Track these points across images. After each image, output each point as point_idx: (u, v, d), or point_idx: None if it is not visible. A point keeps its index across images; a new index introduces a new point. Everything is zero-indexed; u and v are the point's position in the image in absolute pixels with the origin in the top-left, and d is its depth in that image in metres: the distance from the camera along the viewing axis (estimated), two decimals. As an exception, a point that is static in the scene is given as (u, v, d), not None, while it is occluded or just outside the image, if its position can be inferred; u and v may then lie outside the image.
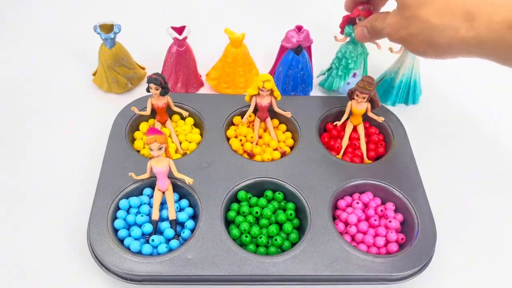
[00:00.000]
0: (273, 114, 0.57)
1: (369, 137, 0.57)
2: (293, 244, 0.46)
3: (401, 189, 0.50)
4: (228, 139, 0.55)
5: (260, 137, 0.57)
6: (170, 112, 0.56)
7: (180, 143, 0.55)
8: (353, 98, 0.54)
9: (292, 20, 0.63)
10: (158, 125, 0.56)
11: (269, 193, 0.50)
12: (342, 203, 0.50)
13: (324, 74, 0.65)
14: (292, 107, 0.57)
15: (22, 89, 0.64)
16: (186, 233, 0.46)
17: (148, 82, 0.51)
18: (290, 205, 0.49)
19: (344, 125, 0.57)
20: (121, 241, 0.45)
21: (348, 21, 0.57)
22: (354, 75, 0.62)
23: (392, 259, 0.44)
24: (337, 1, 0.86)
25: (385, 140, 0.58)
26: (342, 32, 0.58)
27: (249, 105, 0.56)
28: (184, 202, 0.49)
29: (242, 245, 0.46)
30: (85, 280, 0.45)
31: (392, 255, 0.45)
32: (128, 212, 0.47)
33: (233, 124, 0.58)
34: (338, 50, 0.61)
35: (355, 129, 0.57)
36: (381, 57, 0.68)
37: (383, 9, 0.54)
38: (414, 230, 0.47)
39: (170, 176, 0.48)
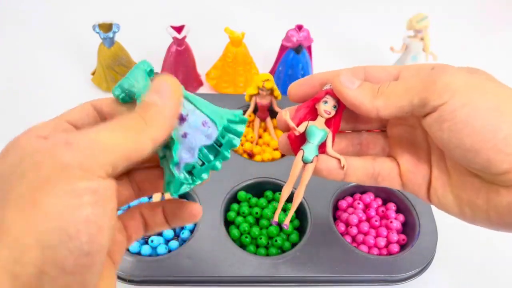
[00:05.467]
0: (273, 114, 0.57)
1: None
2: (294, 245, 0.46)
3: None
4: (228, 139, 0.55)
5: (260, 136, 0.57)
6: (169, 112, 0.56)
7: (180, 143, 0.55)
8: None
9: (292, 19, 0.63)
10: (157, 125, 0.55)
11: (269, 194, 0.50)
12: (343, 203, 0.50)
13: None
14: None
15: (20, 89, 0.64)
16: (185, 233, 0.46)
17: (147, 81, 0.51)
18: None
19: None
20: (120, 242, 0.45)
21: (308, 113, 0.27)
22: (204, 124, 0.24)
23: (393, 260, 0.44)
24: (337, 0, 0.86)
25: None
26: (295, 149, 0.28)
27: (249, 104, 0.55)
28: (184, 203, 0.49)
29: (242, 246, 0.46)
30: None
31: (393, 256, 0.45)
32: (127, 212, 0.47)
33: (233, 124, 0.57)
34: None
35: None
36: (382, 56, 0.67)
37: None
38: (415, 230, 0.46)
39: (170, 176, 0.47)
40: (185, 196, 0.49)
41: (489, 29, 0.82)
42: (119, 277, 0.42)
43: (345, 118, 0.28)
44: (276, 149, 0.55)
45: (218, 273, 0.42)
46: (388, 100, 0.24)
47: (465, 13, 0.86)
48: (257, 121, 0.56)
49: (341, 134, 0.29)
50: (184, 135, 0.23)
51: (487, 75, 0.24)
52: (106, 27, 0.58)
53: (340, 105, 0.26)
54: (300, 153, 0.27)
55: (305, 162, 0.27)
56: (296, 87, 0.28)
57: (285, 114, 0.27)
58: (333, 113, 0.26)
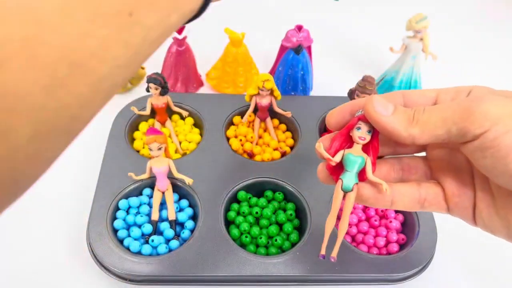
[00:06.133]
0: (273, 114, 0.57)
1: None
2: (293, 245, 0.46)
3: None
4: (228, 139, 0.55)
5: (260, 137, 0.57)
6: (169, 112, 0.56)
7: (180, 143, 0.55)
8: (354, 98, 0.54)
9: (292, 19, 0.63)
10: (157, 125, 0.55)
11: (269, 193, 0.50)
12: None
13: None
14: (292, 107, 0.57)
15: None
16: (185, 233, 0.46)
17: (148, 81, 0.51)
18: (290, 205, 0.49)
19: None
20: (121, 241, 0.45)
21: (344, 142, 0.27)
22: None
23: (393, 259, 0.44)
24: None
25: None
26: (335, 178, 0.27)
27: (249, 105, 0.56)
28: (184, 203, 0.49)
29: (242, 245, 0.46)
30: (84, 281, 0.45)
31: (392, 255, 0.45)
32: (127, 212, 0.47)
33: (233, 124, 0.58)
34: None
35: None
36: (382, 57, 0.68)
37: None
38: (415, 230, 0.46)
39: (170, 176, 0.48)
40: (186, 196, 0.49)
41: (489, 29, 0.82)
42: (119, 277, 0.42)
43: (384, 142, 0.27)
44: (276, 149, 0.55)
45: (218, 273, 0.42)
46: (425, 129, 0.23)
47: (465, 13, 0.86)
48: (257, 121, 0.56)
49: (381, 160, 0.28)
50: None
51: None
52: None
53: (375, 129, 0.26)
54: (339, 183, 0.26)
55: (345, 191, 0.26)
56: (335, 115, 0.27)
57: (319, 146, 0.26)
58: (368, 138, 0.26)
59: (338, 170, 0.26)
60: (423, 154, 0.29)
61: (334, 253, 0.27)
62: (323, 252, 0.27)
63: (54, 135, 0.16)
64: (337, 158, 0.26)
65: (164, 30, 0.20)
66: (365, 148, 0.26)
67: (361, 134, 0.26)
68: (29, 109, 0.15)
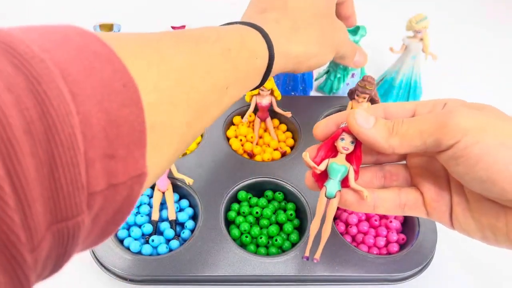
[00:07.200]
0: (273, 114, 0.57)
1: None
2: (294, 245, 0.46)
3: (402, 189, 0.50)
4: (228, 139, 0.55)
5: (260, 137, 0.57)
6: (170, 112, 0.56)
7: (180, 143, 0.55)
8: (354, 98, 0.54)
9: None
10: (158, 125, 0.55)
11: (269, 193, 0.50)
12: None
13: (323, 76, 0.64)
14: (292, 107, 0.57)
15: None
16: (186, 233, 0.46)
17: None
18: (291, 205, 0.49)
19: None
20: (121, 241, 0.45)
21: (329, 151, 0.29)
22: (353, 75, 0.61)
23: (393, 259, 0.44)
24: None
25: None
26: (320, 185, 0.29)
27: (249, 105, 0.56)
28: (184, 203, 0.49)
29: (242, 245, 0.46)
30: (84, 281, 0.45)
31: (393, 255, 0.45)
32: (127, 212, 0.47)
33: (233, 124, 0.58)
34: None
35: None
36: (382, 57, 0.68)
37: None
38: (415, 230, 0.47)
39: (170, 176, 0.48)
40: (186, 196, 0.49)
41: (489, 29, 0.82)
42: (119, 276, 0.42)
43: (367, 152, 0.29)
44: (276, 149, 0.55)
45: (218, 273, 0.42)
46: (403, 140, 0.25)
47: (465, 13, 0.86)
48: (257, 121, 0.56)
49: (365, 168, 0.30)
50: (347, 84, 0.61)
51: (494, 111, 0.26)
52: (107, 28, 0.58)
53: (358, 140, 0.27)
54: (323, 190, 0.28)
55: (329, 198, 0.28)
56: (321, 127, 0.29)
57: (305, 155, 0.28)
58: (351, 148, 0.28)
59: (323, 177, 0.28)
60: (404, 162, 0.30)
61: (317, 255, 0.29)
62: (307, 253, 0.29)
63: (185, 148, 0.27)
64: (322, 167, 0.28)
65: (236, 99, 0.31)
66: (349, 158, 0.28)
67: (345, 144, 0.27)
68: (178, 134, 0.24)
